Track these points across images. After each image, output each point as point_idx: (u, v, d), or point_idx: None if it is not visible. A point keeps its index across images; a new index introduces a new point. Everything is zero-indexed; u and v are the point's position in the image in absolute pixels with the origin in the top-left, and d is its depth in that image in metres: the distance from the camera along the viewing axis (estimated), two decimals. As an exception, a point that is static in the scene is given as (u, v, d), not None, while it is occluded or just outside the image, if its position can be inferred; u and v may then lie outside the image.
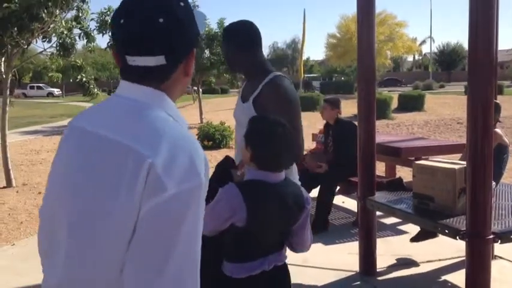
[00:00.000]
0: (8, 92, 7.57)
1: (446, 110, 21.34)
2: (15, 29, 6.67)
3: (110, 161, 1.01)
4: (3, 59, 7.35)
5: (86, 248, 1.02)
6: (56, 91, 49.78)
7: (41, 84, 49.88)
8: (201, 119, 18.62)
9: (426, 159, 4.80)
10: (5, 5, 6.35)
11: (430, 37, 58.81)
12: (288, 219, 1.88)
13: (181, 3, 1.08)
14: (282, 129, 1.85)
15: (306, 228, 1.95)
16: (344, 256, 4.08)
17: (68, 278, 1.05)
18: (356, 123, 3.91)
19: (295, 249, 1.99)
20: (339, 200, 6.11)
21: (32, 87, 49.36)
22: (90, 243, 1.02)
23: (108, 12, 7.86)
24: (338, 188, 6.17)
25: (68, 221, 1.06)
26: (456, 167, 3.07)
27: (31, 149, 11.86)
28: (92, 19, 7.73)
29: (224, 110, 24.35)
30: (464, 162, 3.07)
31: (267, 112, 2.19)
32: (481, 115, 2.68)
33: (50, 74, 9.09)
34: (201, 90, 21.25)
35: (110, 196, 0.99)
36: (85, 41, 7.80)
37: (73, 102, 37.36)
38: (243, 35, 2.38)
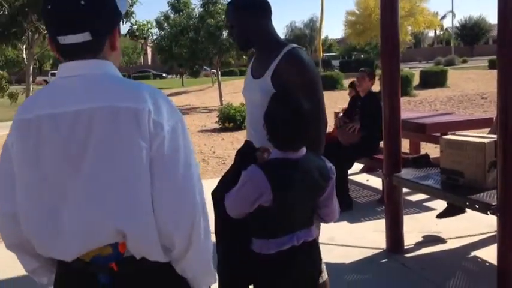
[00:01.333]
0: (30, 79, 7.68)
1: (470, 85, 20.89)
2: (35, 15, 6.72)
3: (108, 126, 1.17)
4: (24, 46, 7.43)
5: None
6: (77, 77, 50.32)
7: (61, 71, 50.45)
8: (221, 101, 18.61)
9: (452, 134, 4.72)
10: None
11: (452, 11, 57.49)
12: (315, 193, 1.86)
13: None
14: (296, 110, 1.80)
15: (333, 198, 1.94)
16: (370, 234, 4.06)
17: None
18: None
19: (325, 220, 2.01)
20: (363, 178, 6.06)
21: (53, 74, 49.85)
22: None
23: (131, 2, 7.85)
24: (362, 166, 6.14)
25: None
26: (486, 140, 2.99)
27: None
28: None
29: (243, 91, 24.27)
30: (494, 136, 2.99)
31: (287, 85, 2.09)
32: (512, 87, 2.60)
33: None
34: (219, 72, 21.19)
35: (124, 151, 1.17)
36: None
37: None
38: (255, 1, 2.25)
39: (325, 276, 2.22)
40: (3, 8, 6.69)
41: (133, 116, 1.18)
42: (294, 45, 2.25)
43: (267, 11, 2.27)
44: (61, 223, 1.20)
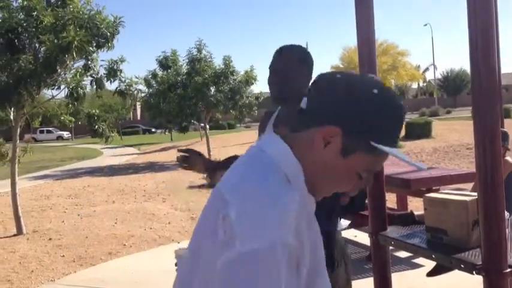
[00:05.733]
0: (17, 139, 7.67)
1: (454, 135, 21.23)
2: (33, 84, 6.90)
3: (209, 208, 1.01)
4: (12, 108, 7.49)
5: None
6: (66, 134, 50.36)
7: (50, 128, 50.51)
8: (209, 156, 18.65)
9: (437, 189, 4.74)
10: (24, 56, 6.53)
11: (433, 64, 59.21)
12: None
13: (375, 90, 0.96)
14: None
15: None
16: (359, 293, 3.99)
17: None
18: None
19: None
20: (351, 234, 6.03)
21: (41, 132, 49.99)
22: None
23: (119, 62, 7.98)
24: (350, 222, 6.11)
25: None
26: (468, 198, 3.02)
27: (41, 194, 11.90)
28: (100, 65, 7.90)
29: (232, 145, 24.42)
30: (476, 193, 3.02)
31: None
32: (489, 146, 2.65)
33: (61, 118, 9.15)
34: (208, 126, 21.37)
35: (201, 242, 0.96)
36: (94, 87, 7.94)
37: (82, 145, 37.70)
38: (310, 60, 2.29)
39: None
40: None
41: (213, 215, 0.94)
42: None
43: (312, 75, 2.29)
44: None
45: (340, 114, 0.94)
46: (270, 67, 2.31)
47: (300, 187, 0.96)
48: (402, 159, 0.98)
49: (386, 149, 0.95)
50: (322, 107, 0.96)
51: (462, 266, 2.80)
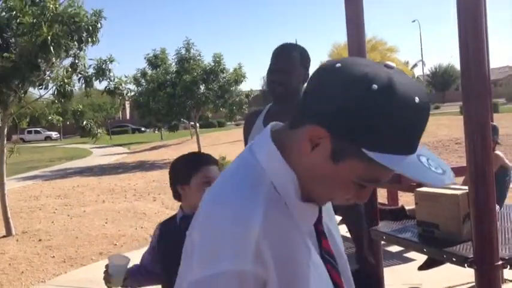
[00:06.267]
0: (5, 140, 7.58)
1: (443, 131, 21.36)
2: (16, 82, 6.80)
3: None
4: (-1, 108, 7.40)
5: None
6: (54, 134, 49.96)
7: (38, 129, 50.07)
8: (200, 154, 18.57)
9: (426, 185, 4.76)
10: (5, 54, 6.45)
11: (422, 60, 59.68)
12: None
13: (374, 86, 0.78)
14: None
15: None
16: (352, 289, 4.00)
17: None
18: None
19: None
20: (343, 229, 6.03)
21: (29, 132, 49.51)
22: None
23: (108, 61, 7.89)
24: (341, 217, 6.12)
25: None
26: (459, 192, 3.03)
27: (30, 195, 11.80)
28: (90, 65, 7.82)
29: (222, 143, 24.38)
30: (467, 187, 3.03)
31: None
32: (479, 139, 2.66)
33: (49, 118, 9.06)
34: (197, 125, 21.31)
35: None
36: (83, 86, 7.88)
37: (71, 145, 37.43)
38: (307, 53, 2.37)
39: None
40: None
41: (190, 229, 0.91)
42: None
43: (308, 73, 2.38)
44: None
45: (328, 112, 0.80)
46: (272, 65, 2.34)
47: (287, 196, 0.87)
48: (409, 176, 0.79)
49: (382, 159, 0.79)
50: (311, 102, 0.84)
51: (454, 259, 2.81)
